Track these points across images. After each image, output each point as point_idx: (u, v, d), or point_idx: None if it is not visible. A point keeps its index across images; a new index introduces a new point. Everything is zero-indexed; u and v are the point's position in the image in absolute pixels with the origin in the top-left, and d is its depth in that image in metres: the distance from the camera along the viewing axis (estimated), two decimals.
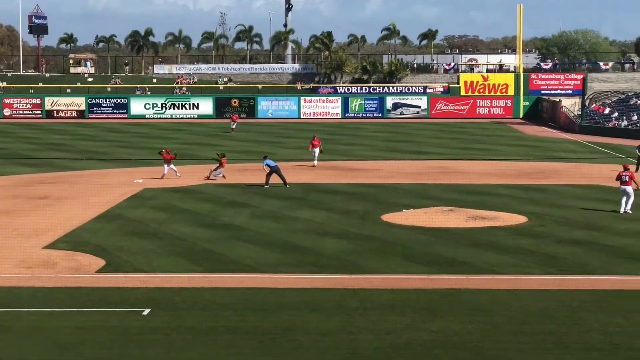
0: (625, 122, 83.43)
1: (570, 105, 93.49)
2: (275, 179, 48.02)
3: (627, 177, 40.30)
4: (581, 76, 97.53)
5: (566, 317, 24.35)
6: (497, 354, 21.37)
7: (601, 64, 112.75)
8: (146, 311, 24.70)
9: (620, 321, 23.97)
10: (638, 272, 29.49)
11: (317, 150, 57.94)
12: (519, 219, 39.08)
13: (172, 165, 51.59)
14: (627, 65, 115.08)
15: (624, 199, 40.29)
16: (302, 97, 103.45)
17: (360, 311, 24.89)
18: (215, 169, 51.18)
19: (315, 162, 57.88)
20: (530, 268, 30.12)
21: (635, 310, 24.95)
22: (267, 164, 48.30)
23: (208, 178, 51.02)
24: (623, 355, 21.18)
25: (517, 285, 27.89)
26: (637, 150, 53.74)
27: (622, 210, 40.10)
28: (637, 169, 52.72)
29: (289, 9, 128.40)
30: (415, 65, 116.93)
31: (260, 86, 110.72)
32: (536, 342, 22.19)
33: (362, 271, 29.65)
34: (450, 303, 25.76)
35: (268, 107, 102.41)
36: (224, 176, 50.93)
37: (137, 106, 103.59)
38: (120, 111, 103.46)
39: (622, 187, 40.33)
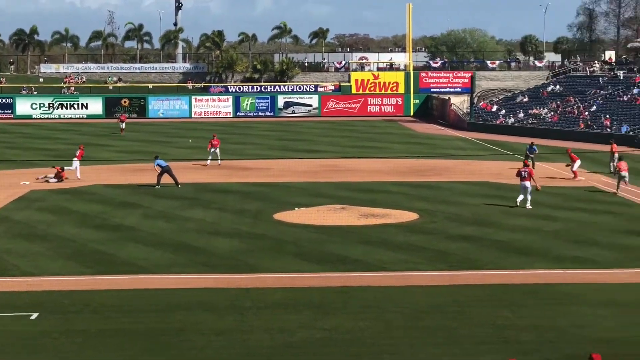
0: (512, 120, 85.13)
1: (459, 103, 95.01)
2: (166, 179, 47.57)
3: (526, 173, 41.27)
4: (469, 74, 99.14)
5: (456, 312, 24.72)
6: (389, 350, 21.55)
7: (488, 62, 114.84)
8: (34, 315, 24.19)
9: (509, 315, 24.44)
10: (525, 266, 30.11)
11: (217, 149, 57.47)
12: (410, 216, 39.51)
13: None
14: (513, 64, 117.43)
15: (521, 194, 41.21)
16: (193, 97, 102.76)
17: (253, 310, 24.82)
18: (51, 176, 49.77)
19: (219, 162, 57.40)
20: (421, 264, 30.47)
21: (522, 304, 25.47)
22: (158, 164, 47.82)
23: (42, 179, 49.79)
24: (512, 348, 21.58)
25: (409, 281, 28.19)
26: (527, 151, 54.84)
27: (518, 202, 40.97)
28: (524, 165, 53.80)
29: (178, 7, 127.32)
30: (306, 64, 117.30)
31: (150, 85, 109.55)
32: (427, 337, 22.46)
33: (255, 270, 29.58)
34: (342, 300, 25.88)
35: (159, 106, 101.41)
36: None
37: (23, 106, 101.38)
38: (6, 111, 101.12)
39: (522, 182, 41.25)
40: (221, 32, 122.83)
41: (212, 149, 57.59)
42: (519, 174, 41.81)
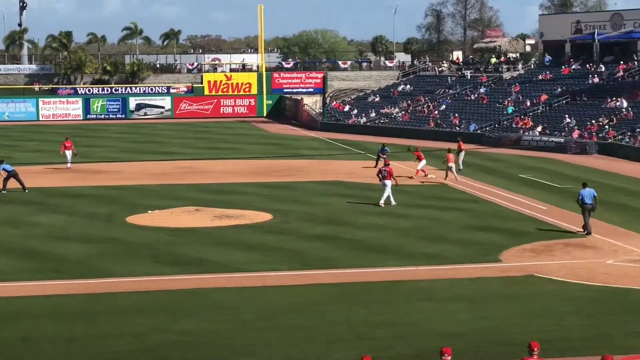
0: (364, 119, 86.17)
1: (312, 103, 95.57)
2: (13, 183, 46.18)
3: (386, 172, 42.07)
4: (322, 75, 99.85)
5: (312, 310, 24.85)
6: (245, 350, 21.48)
7: (340, 62, 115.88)
8: None
9: (363, 312, 24.71)
10: (378, 264, 30.49)
11: (69, 152, 55.99)
12: (265, 217, 39.51)
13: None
14: (364, 64, 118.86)
15: (384, 192, 41.91)
16: (40, 99, 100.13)
17: (105, 316, 24.35)
18: None
19: (69, 165, 56.03)
20: (276, 264, 30.50)
21: (376, 301, 25.79)
22: (3, 169, 46.40)
23: None
24: (366, 345, 21.79)
25: (264, 281, 28.18)
26: (379, 152, 55.51)
27: (382, 203, 41.53)
28: (376, 165, 54.60)
29: (23, 7, 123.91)
30: (158, 66, 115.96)
31: None
32: (283, 337, 22.49)
33: (107, 275, 29.02)
34: (198, 303, 25.69)
35: (4, 109, 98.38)
36: None
37: None
38: None
39: (382, 181, 41.90)
40: (69, 33, 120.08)
41: (65, 152, 56.20)
42: (379, 172, 42.46)
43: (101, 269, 29.86)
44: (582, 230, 35.39)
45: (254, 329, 23.20)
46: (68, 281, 28.22)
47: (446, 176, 49.55)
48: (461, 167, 53.45)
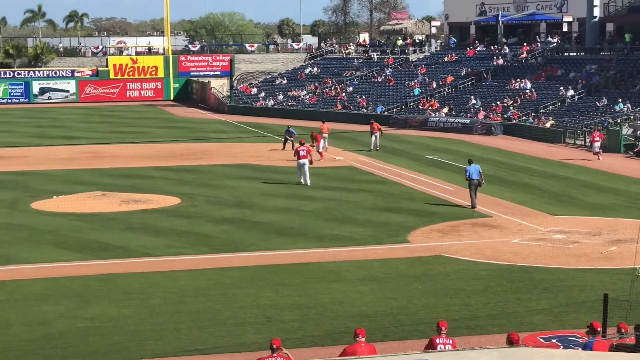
0: (271, 102, 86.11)
1: (219, 86, 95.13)
2: None
3: (304, 151, 42.82)
4: (229, 57, 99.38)
5: (220, 294, 24.81)
6: (153, 335, 21.35)
7: (247, 45, 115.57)
8: None
9: (271, 295, 24.76)
10: (287, 246, 30.58)
11: None
12: (172, 201, 39.27)
13: None
14: (271, 47, 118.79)
15: (300, 172, 42.59)
16: None
17: (10, 303, 23.96)
18: None
19: None
20: (184, 248, 30.37)
21: (284, 284, 25.86)
22: None
23: None
24: (275, 327, 21.84)
25: (172, 266, 28.03)
26: (285, 134, 55.59)
27: (302, 181, 41.95)
28: (283, 147, 54.69)
29: None
30: (62, 49, 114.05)
31: None
32: (192, 321, 22.41)
33: (11, 262, 28.54)
34: (105, 288, 25.44)
35: None
36: None
37: None
38: None
39: (299, 160, 42.60)
40: None
41: None
42: (296, 152, 43.09)
43: (6, 255, 29.35)
44: (469, 205, 36.71)
45: (163, 314, 23.08)
46: None
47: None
48: (378, 148, 54.37)
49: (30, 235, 32.43)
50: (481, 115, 68.59)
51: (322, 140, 52.29)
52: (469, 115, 69.81)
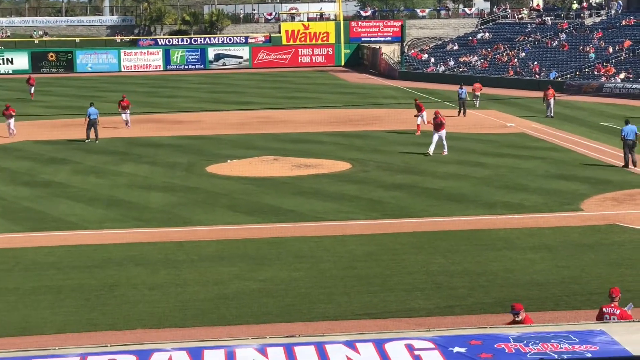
0: (442, 68, 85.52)
1: (390, 52, 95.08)
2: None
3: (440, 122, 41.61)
4: (399, 23, 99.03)
5: (390, 259, 24.92)
6: (324, 299, 21.67)
7: (418, 11, 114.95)
8: None
9: (442, 261, 24.72)
10: (456, 213, 30.43)
11: (128, 111, 52.19)
12: (343, 166, 39.62)
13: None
14: (442, 12, 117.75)
15: (435, 141, 41.71)
16: (122, 50, 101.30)
17: (187, 263, 24.77)
18: None
19: (129, 124, 52.31)
20: (354, 213, 30.62)
21: (454, 250, 25.76)
22: (89, 114, 46.79)
23: None
24: (445, 293, 21.85)
25: (342, 231, 28.32)
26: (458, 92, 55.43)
27: (430, 151, 41.52)
28: (459, 113, 54.48)
29: None
30: (236, 16, 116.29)
31: (78, 39, 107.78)
32: (362, 286, 22.62)
33: (188, 223, 29.47)
34: (276, 251, 25.94)
35: (87, 60, 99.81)
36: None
37: None
38: None
39: (436, 131, 41.77)
40: None
41: (121, 111, 52.39)
42: (436, 118, 42.03)
43: (182, 217, 30.34)
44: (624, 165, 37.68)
45: (333, 277, 23.39)
46: (151, 229, 28.74)
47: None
48: (552, 115, 53.61)
49: (206, 198, 33.38)
50: None
51: (423, 114, 50.03)
52: None
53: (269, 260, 24.98)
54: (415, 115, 49.25)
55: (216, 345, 16.14)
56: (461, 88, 56.44)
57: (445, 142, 41.90)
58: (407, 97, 68.79)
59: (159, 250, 26.20)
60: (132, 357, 15.80)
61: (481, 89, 60.95)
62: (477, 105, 58.67)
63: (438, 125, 41.76)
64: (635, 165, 37.60)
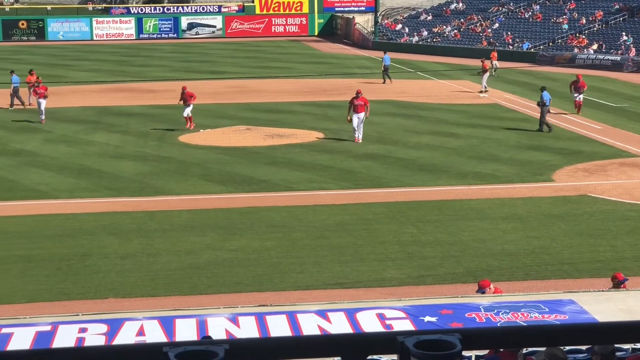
0: (416, 38, 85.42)
1: (364, 22, 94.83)
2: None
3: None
4: None
5: (362, 229, 24.98)
6: (295, 268, 21.72)
7: None
8: None
9: (413, 231, 24.81)
10: (428, 183, 30.52)
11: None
12: (315, 136, 39.58)
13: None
14: None
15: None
16: (94, 18, 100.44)
17: (159, 233, 24.72)
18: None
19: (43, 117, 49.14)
20: (326, 183, 30.64)
21: (426, 220, 25.86)
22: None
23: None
24: (416, 263, 21.95)
25: (315, 200, 28.35)
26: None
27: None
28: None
29: None
30: None
31: (49, 7, 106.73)
32: (334, 255, 22.68)
33: (160, 193, 29.40)
34: (249, 221, 25.94)
35: (58, 28, 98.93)
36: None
37: None
38: None
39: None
40: None
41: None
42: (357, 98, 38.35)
43: (155, 187, 30.25)
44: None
45: (305, 247, 23.43)
46: (123, 199, 28.64)
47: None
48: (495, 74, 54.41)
49: (178, 168, 33.28)
50: (632, 52, 66.43)
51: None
52: (619, 52, 67.69)
53: (241, 230, 24.97)
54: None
55: (188, 314, 16.21)
56: (386, 54, 57.51)
57: (361, 127, 38.35)
58: (380, 67, 68.64)
59: (130, 219, 26.13)
60: (103, 325, 15.81)
61: (496, 58, 60.97)
62: (495, 75, 58.20)
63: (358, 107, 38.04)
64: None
